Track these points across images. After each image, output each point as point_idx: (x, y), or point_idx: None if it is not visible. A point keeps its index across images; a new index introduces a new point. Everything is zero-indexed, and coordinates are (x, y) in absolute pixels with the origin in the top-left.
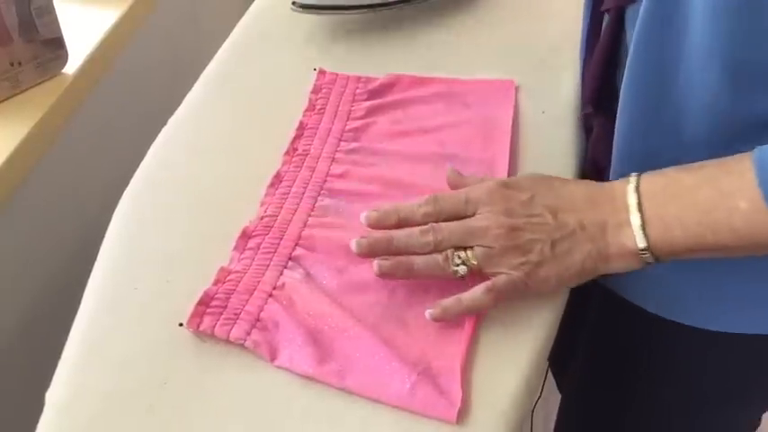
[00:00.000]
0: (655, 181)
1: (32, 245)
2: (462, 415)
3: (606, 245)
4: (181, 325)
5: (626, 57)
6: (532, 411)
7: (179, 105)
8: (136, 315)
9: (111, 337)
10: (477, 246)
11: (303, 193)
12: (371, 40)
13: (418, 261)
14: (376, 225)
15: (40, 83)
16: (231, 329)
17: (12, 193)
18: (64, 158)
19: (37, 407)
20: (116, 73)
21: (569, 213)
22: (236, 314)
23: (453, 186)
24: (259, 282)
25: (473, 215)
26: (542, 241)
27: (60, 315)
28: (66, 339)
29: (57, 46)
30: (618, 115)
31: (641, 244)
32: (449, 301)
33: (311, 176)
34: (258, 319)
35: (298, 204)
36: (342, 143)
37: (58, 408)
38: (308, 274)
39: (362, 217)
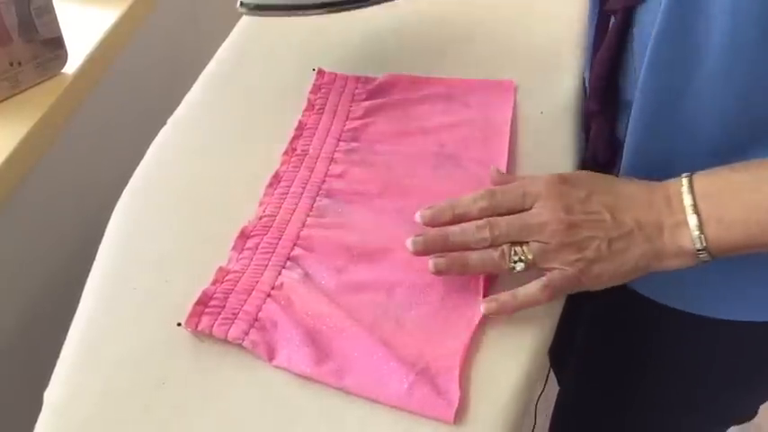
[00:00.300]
0: (708, 181)
1: (32, 245)
2: (461, 414)
3: (663, 245)
4: (179, 325)
5: (632, 57)
6: (535, 407)
7: (178, 105)
8: (134, 315)
9: (110, 337)
10: (534, 241)
11: (302, 193)
12: (371, 40)
13: (473, 257)
14: (431, 222)
15: (39, 83)
16: (229, 329)
17: (11, 193)
18: (63, 158)
19: (35, 406)
20: (116, 73)
21: (626, 212)
22: (234, 314)
23: (499, 185)
24: (257, 282)
25: (530, 209)
26: (600, 239)
27: (59, 315)
28: (64, 339)
29: (56, 46)
30: (631, 117)
31: (699, 244)
32: (505, 297)
33: (310, 176)
34: (256, 319)
35: (296, 204)
36: (341, 143)
37: (56, 407)
38: (306, 274)
39: (417, 216)
